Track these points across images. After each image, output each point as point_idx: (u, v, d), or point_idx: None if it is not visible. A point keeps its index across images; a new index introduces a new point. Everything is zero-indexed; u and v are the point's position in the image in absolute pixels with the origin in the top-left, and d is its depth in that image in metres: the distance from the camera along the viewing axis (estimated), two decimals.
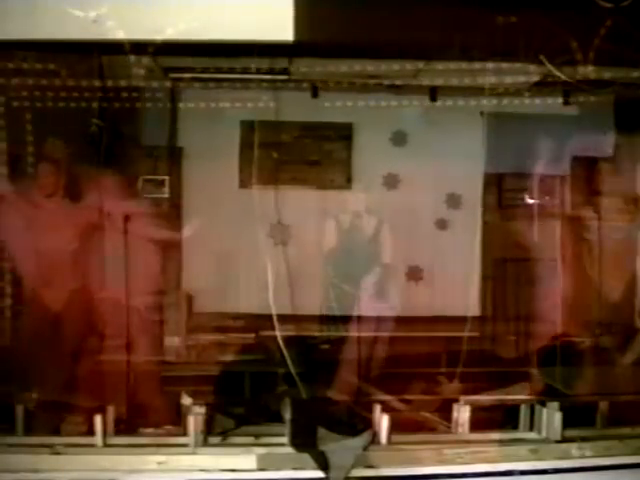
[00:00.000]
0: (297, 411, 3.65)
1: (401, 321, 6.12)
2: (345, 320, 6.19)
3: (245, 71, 4.97)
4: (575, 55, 4.19)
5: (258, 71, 4.99)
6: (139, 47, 3.78)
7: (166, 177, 6.48)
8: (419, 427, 4.15)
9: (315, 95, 6.11)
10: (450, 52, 4.61)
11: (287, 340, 4.60)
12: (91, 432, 3.60)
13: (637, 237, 5.65)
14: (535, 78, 5.16)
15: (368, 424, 3.69)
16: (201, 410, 3.59)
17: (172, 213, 6.39)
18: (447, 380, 4.99)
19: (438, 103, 6.08)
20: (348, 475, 3.39)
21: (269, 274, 4.92)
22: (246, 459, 3.44)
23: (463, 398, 3.91)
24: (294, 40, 3.34)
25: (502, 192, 6.82)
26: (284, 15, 3.30)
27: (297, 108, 6.21)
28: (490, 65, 4.68)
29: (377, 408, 3.71)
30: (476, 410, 3.87)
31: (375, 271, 6.27)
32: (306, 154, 6.74)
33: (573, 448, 3.59)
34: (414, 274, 6.82)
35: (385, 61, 5.04)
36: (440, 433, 3.97)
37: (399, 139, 6.74)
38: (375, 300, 6.22)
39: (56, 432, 3.88)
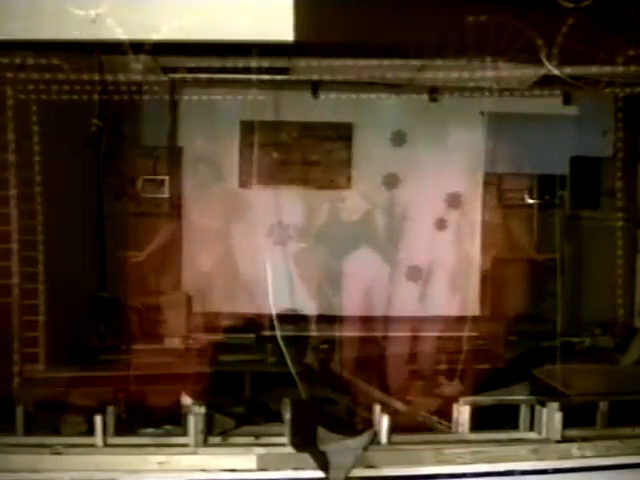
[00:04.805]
0: (297, 411, 3.65)
1: (401, 321, 6.13)
2: (344, 319, 6.20)
3: (245, 71, 4.96)
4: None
5: (258, 71, 4.99)
6: (139, 47, 3.78)
7: (166, 177, 6.49)
8: (419, 427, 4.15)
9: (315, 95, 6.11)
10: (450, 52, 4.60)
11: (287, 340, 4.60)
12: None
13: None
14: (535, 78, 5.15)
15: (368, 424, 3.69)
16: (201, 410, 3.59)
17: (172, 213, 6.40)
18: (447, 380, 4.99)
19: (438, 103, 6.08)
20: (348, 475, 3.39)
21: (269, 274, 4.92)
22: (246, 459, 3.45)
23: (463, 398, 3.91)
24: (294, 40, 3.34)
25: (502, 192, 6.82)
26: (284, 15, 3.30)
27: (297, 108, 6.21)
28: (490, 65, 4.68)
29: (377, 408, 3.70)
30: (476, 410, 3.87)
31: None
32: (306, 154, 6.74)
33: (573, 448, 3.59)
34: (414, 274, 6.82)
35: (385, 60, 5.04)
36: (440, 433, 3.97)
37: (399, 139, 6.74)
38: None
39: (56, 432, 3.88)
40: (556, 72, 4.44)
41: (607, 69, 4.51)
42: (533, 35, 4.14)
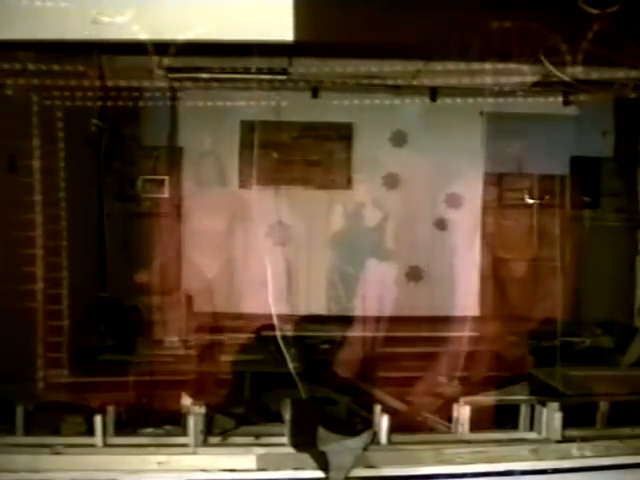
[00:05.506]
0: (297, 411, 3.65)
1: (401, 321, 6.13)
2: (345, 320, 6.21)
3: (245, 71, 4.97)
4: (570, 58, 4.20)
5: (258, 71, 4.99)
6: (139, 47, 3.78)
7: (166, 177, 6.49)
8: (419, 427, 4.15)
9: (315, 95, 6.12)
10: (450, 52, 4.61)
11: (287, 340, 4.60)
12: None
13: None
14: (535, 78, 5.16)
15: (368, 424, 3.69)
16: (201, 410, 3.59)
17: (172, 213, 6.41)
18: (447, 380, 5.00)
19: (438, 103, 6.08)
20: (348, 475, 3.39)
21: (269, 274, 4.93)
22: (246, 459, 3.44)
23: (463, 398, 3.91)
24: (294, 40, 3.35)
25: (502, 192, 6.82)
26: (284, 15, 3.30)
27: (297, 108, 6.21)
28: (490, 65, 4.69)
29: (377, 408, 3.70)
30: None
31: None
32: (306, 154, 6.74)
33: (573, 448, 3.59)
34: (414, 274, 6.83)
35: (385, 61, 5.04)
36: (440, 433, 3.97)
37: (399, 139, 6.74)
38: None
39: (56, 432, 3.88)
40: (557, 73, 4.44)
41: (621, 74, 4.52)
42: (555, 38, 4.14)
